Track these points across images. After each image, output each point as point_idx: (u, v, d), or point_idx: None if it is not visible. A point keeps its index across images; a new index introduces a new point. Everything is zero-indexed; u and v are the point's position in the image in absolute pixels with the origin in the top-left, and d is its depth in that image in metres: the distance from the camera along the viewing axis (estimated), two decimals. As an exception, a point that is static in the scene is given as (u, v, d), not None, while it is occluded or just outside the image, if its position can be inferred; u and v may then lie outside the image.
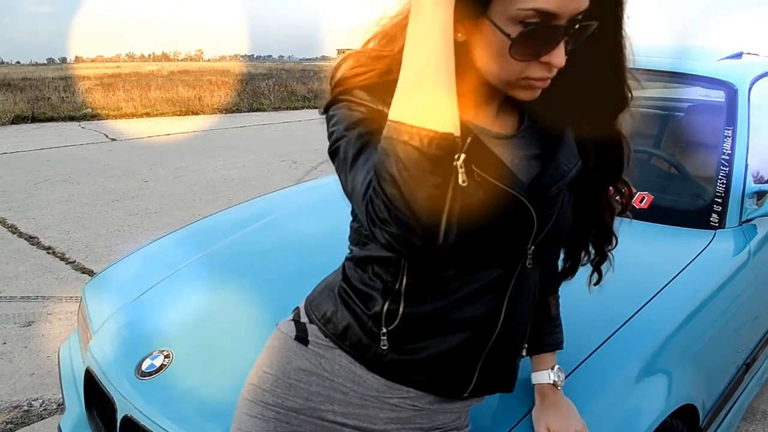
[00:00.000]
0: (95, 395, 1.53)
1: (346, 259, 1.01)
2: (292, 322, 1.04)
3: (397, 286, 0.89)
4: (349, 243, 1.00)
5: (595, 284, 1.10)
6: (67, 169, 7.27)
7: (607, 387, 1.24)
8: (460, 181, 0.68)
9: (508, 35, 0.75)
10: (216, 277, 1.80)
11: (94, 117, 12.88)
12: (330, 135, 0.82)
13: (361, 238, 0.95)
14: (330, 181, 2.53)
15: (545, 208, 0.89)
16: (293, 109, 15.49)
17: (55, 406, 2.44)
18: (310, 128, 11.74)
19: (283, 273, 1.71)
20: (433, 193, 0.66)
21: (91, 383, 1.53)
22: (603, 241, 1.06)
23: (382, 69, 0.80)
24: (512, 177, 0.87)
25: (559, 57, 0.78)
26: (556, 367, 1.13)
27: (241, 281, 1.78)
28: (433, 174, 0.65)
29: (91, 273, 3.93)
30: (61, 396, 2.51)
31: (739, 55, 2.83)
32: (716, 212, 1.87)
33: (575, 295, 1.14)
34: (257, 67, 57.26)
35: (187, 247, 2.05)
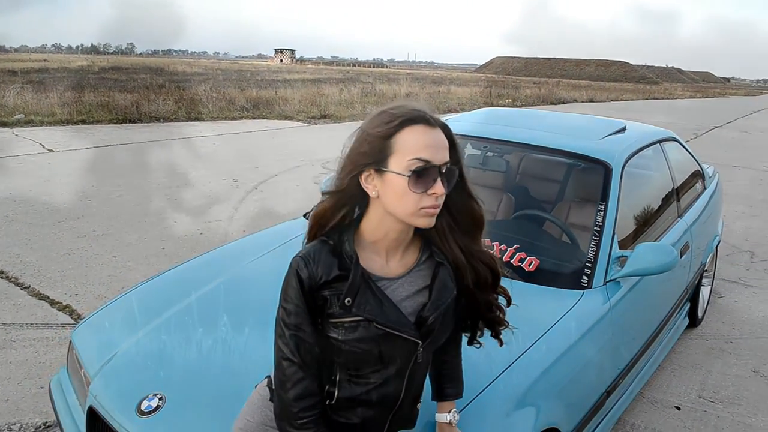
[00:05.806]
0: (97, 428, 1.91)
1: None
2: (267, 388, 1.49)
3: (333, 377, 1.34)
4: None
5: (478, 346, 1.56)
6: (6, 184, 7.35)
7: (489, 418, 1.73)
8: None
9: (404, 175, 1.22)
10: (192, 327, 2.20)
11: (27, 123, 12.74)
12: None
13: None
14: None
15: (429, 330, 1.35)
16: (232, 119, 15.67)
17: (32, 430, 2.76)
18: (248, 142, 12.05)
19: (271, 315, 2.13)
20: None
21: (93, 418, 1.92)
22: (492, 326, 1.52)
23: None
24: (402, 320, 1.32)
25: (440, 188, 1.24)
26: (453, 410, 1.60)
27: (217, 330, 2.18)
28: None
29: (47, 299, 4.20)
30: (37, 421, 2.84)
31: (623, 129, 3.38)
32: (586, 275, 2.42)
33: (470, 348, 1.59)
34: (192, 64, 56.21)
35: (170, 294, 2.43)
